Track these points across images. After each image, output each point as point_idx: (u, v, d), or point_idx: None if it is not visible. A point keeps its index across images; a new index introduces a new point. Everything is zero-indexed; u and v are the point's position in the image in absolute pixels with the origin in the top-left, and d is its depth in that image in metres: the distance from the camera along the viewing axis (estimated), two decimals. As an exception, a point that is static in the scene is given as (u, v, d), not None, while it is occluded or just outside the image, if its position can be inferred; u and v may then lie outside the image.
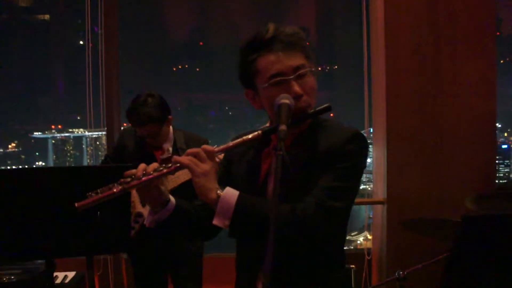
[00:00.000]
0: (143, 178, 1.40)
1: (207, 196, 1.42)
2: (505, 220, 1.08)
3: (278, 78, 1.51)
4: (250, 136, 1.48)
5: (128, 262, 3.98)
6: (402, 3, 3.76)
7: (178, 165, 1.42)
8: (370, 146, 4.15)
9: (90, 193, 1.38)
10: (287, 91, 1.50)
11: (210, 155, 1.43)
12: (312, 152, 1.54)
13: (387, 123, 3.80)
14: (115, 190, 1.38)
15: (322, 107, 1.55)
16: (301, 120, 1.54)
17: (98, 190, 1.39)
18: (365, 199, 4.42)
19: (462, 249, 1.09)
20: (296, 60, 1.53)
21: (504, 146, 27.62)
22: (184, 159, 1.42)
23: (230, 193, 1.42)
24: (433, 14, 3.75)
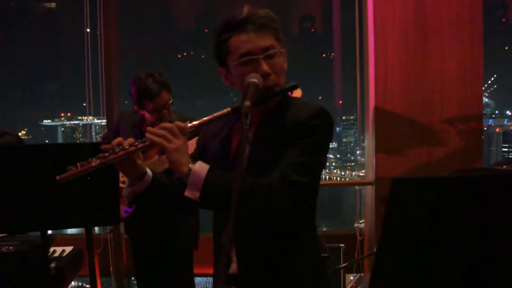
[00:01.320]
0: (120, 153, 1.49)
1: (180, 170, 1.50)
2: (435, 183, 1.17)
3: (248, 57, 1.60)
4: (219, 112, 1.57)
5: (128, 242, 4.12)
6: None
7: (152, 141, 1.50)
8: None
9: (70, 166, 1.47)
10: (256, 70, 1.59)
11: (182, 130, 1.52)
12: (280, 128, 1.61)
13: (375, 107, 3.91)
14: (93, 164, 1.47)
15: (289, 85, 1.63)
16: (269, 98, 1.63)
17: (78, 164, 1.47)
18: (356, 180, 4.54)
19: (391, 212, 1.17)
20: (266, 41, 1.62)
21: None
22: (156, 137, 1.50)
23: (201, 167, 1.50)
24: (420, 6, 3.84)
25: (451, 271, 1.20)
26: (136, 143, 1.51)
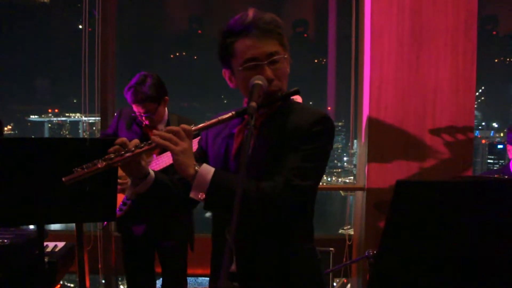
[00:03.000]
0: (126, 155, 1.51)
1: (186, 172, 1.53)
2: (438, 187, 1.20)
3: (252, 63, 1.63)
4: (224, 116, 1.60)
5: (117, 240, 4.12)
6: (387, -2, 3.91)
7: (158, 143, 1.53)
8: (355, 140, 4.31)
9: (76, 168, 1.49)
10: (260, 75, 1.62)
11: (188, 133, 1.55)
12: (281, 132, 1.65)
13: (369, 115, 3.95)
14: (99, 166, 1.49)
15: (291, 90, 1.67)
16: (272, 102, 1.67)
17: (84, 166, 1.49)
18: (347, 185, 4.57)
19: (394, 216, 1.20)
20: (270, 46, 1.65)
21: (500, 146, 27.52)
22: (162, 140, 1.52)
23: (207, 169, 1.53)
24: (417, 8, 3.89)
25: (452, 273, 1.23)
26: (142, 145, 1.54)
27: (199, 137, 1.94)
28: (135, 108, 3.06)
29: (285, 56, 1.69)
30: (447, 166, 3.90)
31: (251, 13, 1.66)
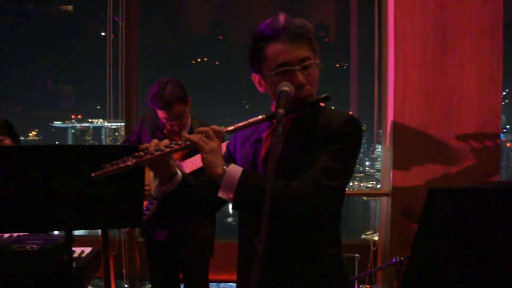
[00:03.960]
0: (156, 153, 1.53)
1: (214, 171, 1.54)
2: (470, 193, 1.19)
3: (285, 68, 1.64)
4: (254, 119, 1.61)
5: (142, 245, 4.14)
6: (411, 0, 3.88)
7: (188, 142, 1.55)
8: (379, 145, 4.27)
9: (106, 164, 1.51)
10: (292, 80, 1.63)
11: (218, 134, 1.56)
12: (309, 135, 1.66)
13: (394, 119, 3.91)
14: (129, 163, 1.51)
15: (321, 97, 1.68)
16: (302, 107, 1.67)
17: (113, 162, 1.52)
18: (372, 191, 4.54)
19: (427, 222, 1.19)
20: (302, 51, 1.65)
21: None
22: (194, 136, 1.55)
23: (235, 169, 1.54)
24: (440, 11, 3.84)
25: (484, 281, 1.21)
26: (172, 145, 1.55)
27: (227, 141, 1.95)
28: (163, 114, 3.04)
29: (316, 62, 1.70)
30: (473, 170, 3.84)
31: (282, 17, 1.67)
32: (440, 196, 1.16)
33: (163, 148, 1.54)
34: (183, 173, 1.69)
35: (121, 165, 1.51)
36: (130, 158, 1.52)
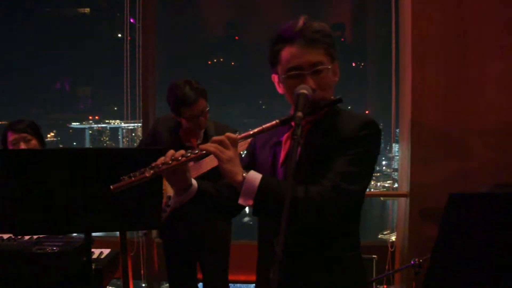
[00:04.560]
0: (172, 163, 1.54)
1: (234, 179, 1.54)
2: (491, 199, 1.17)
3: (296, 72, 1.64)
4: (268, 124, 1.61)
5: (159, 246, 4.17)
6: (430, -2, 3.83)
7: (204, 152, 1.56)
8: (396, 144, 4.24)
9: (124, 177, 1.53)
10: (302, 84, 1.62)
11: (233, 142, 1.57)
12: (328, 138, 1.65)
13: (412, 118, 3.87)
14: (147, 174, 1.53)
15: (333, 99, 1.67)
16: (315, 111, 1.66)
17: (131, 174, 1.54)
18: (390, 192, 4.50)
19: (447, 228, 1.18)
20: (315, 56, 1.64)
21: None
22: (210, 146, 1.55)
23: (254, 175, 1.55)
24: (460, 8, 3.79)
25: (506, 286, 1.19)
26: (188, 154, 1.56)
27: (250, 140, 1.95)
28: (189, 112, 3.02)
29: (329, 67, 1.68)
30: (493, 168, 3.79)
31: (301, 20, 1.67)
32: (460, 201, 1.15)
33: (179, 158, 1.55)
34: (199, 182, 1.70)
35: (139, 177, 1.53)
36: (147, 169, 1.53)
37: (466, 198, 1.14)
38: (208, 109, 3.08)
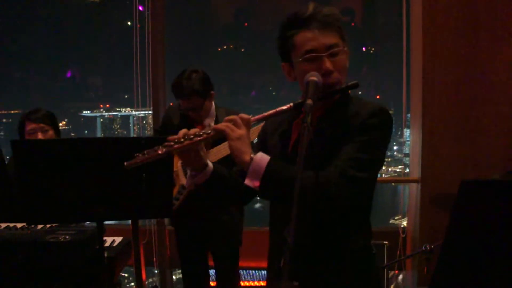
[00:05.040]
0: (185, 142, 1.54)
1: (241, 159, 1.54)
2: (503, 186, 1.16)
3: (312, 54, 1.63)
4: (282, 107, 1.62)
5: (171, 233, 4.19)
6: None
7: (217, 131, 1.56)
8: (407, 129, 4.22)
9: (137, 154, 1.54)
10: (319, 67, 1.63)
11: (246, 122, 1.57)
12: (338, 125, 1.65)
13: (423, 105, 3.85)
14: (159, 152, 1.53)
15: (350, 83, 1.66)
16: (330, 95, 1.66)
17: (145, 152, 1.54)
18: (402, 178, 4.48)
19: (459, 215, 1.17)
20: (330, 38, 1.64)
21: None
22: (221, 125, 1.56)
23: (262, 157, 1.54)
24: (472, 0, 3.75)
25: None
26: (201, 133, 1.56)
27: (262, 124, 1.95)
28: (181, 103, 3.09)
29: (345, 49, 1.69)
30: (504, 155, 3.77)
31: (311, 6, 1.67)
32: (473, 188, 1.14)
33: (192, 137, 1.55)
34: (215, 164, 1.70)
35: (152, 155, 1.53)
36: (160, 147, 1.54)
37: (478, 185, 1.13)
38: (202, 105, 3.09)
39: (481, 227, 1.17)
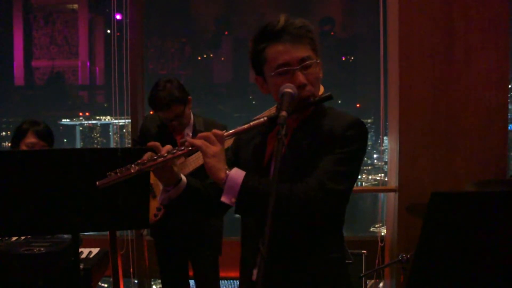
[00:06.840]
0: (158, 160, 1.52)
1: (217, 176, 1.53)
2: (473, 198, 1.18)
3: (285, 68, 1.62)
4: (256, 122, 1.60)
5: (150, 243, 4.16)
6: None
7: (190, 148, 1.54)
8: (386, 137, 4.26)
9: (110, 172, 1.52)
10: (292, 80, 1.61)
11: (220, 138, 1.56)
12: (315, 137, 1.64)
13: (400, 114, 3.89)
14: (132, 170, 1.51)
15: (323, 96, 1.66)
16: (305, 108, 1.66)
17: (117, 170, 1.52)
18: (379, 187, 4.53)
19: (429, 227, 1.18)
20: (302, 51, 1.63)
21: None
22: (197, 141, 1.54)
23: (238, 173, 1.53)
24: (446, 5, 3.82)
25: (488, 283, 1.21)
26: (174, 151, 1.55)
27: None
28: (162, 115, 3.08)
29: (317, 61, 1.68)
30: (481, 164, 3.83)
31: (282, 18, 1.65)
32: (442, 200, 1.15)
33: (166, 154, 1.54)
34: (188, 178, 1.69)
35: (125, 173, 1.51)
36: (133, 165, 1.52)
37: (448, 197, 1.15)
38: (184, 112, 3.09)
39: (451, 238, 1.19)
